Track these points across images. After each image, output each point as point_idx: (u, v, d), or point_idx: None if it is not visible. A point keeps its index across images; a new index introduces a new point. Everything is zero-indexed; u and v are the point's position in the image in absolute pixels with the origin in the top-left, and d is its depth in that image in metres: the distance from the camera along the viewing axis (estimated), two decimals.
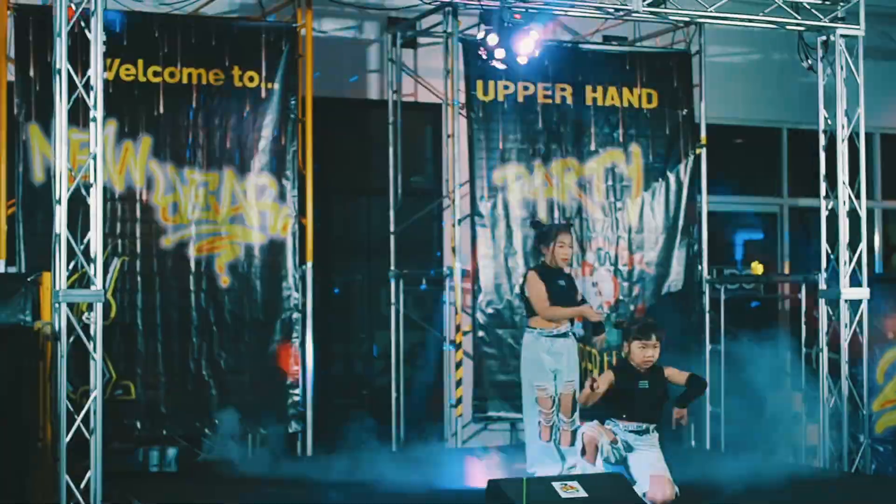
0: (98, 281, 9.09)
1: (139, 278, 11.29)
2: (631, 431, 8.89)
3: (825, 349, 11.53)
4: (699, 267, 12.99)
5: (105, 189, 10.84)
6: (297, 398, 11.65)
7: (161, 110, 11.42)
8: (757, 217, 15.24)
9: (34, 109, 10.93)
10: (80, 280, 9.48)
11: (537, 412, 9.85)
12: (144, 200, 11.34)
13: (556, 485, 7.01)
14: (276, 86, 11.73)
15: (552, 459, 9.54)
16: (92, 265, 9.09)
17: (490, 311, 12.19)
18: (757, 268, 14.37)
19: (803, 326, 12.22)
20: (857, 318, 11.43)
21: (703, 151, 13.06)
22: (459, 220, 12.13)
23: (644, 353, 9.11)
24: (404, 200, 13.14)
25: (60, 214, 9.03)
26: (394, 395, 12.86)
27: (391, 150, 12.98)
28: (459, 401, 12.13)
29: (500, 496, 6.91)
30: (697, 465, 10.62)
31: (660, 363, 9.24)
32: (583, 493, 6.97)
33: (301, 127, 11.82)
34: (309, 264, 11.75)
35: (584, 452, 8.71)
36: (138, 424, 11.18)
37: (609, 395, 8.86)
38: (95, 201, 9.17)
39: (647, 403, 9.08)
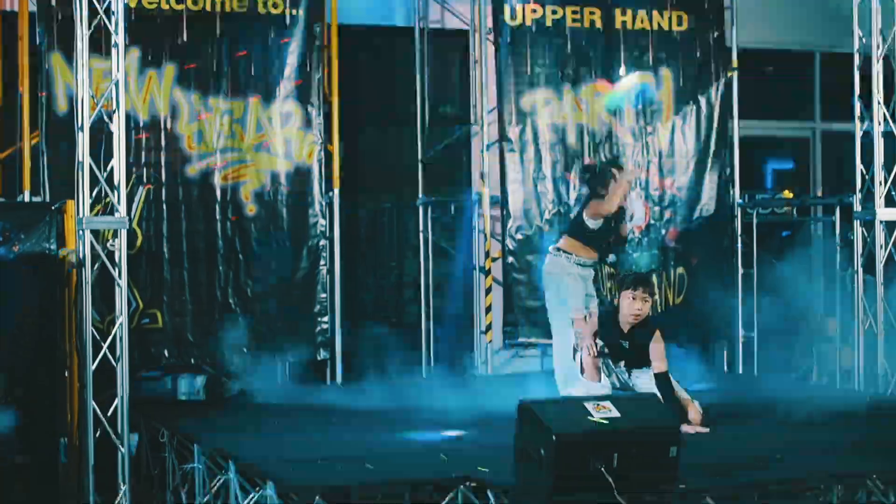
0: (121, 208, 8.93)
1: (164, 207, 11.15)
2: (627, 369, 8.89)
3: (860, 271, 11.30)
4: (731, 191, 12.76)
5: (129, 118, 10.81)
6: (325, 325, 11.51)
7: (185, 38, 11.22)
8: (789, 143, 14.98)
9: (56, 38, 10.74)
10: (105, 209, 9.33)
11: (569, 334, 9.68)
12: (169, 129, 11.17)
13: (589, 405, 6.82)
14: (301, 12, 11.51)
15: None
16: (115, 192, 8.93)
17: (519, 236, 12.01)
18: (788, 195, 14.12)
19: (838, 250, 11.99)
20: (893, 239, 11.18)
21: (735, 75, 12.79)
22: (488, 146, 11.94)
23: (632, 305, 8.95)
24: (432, 128, 12.95)
25: (83, 142, 8.87)
26: (423, 323, 12.72)
27: (418, 77, 12.76)
28: (489, 327, 11.99)
29: (531, 417, 6.73)
30: (729, 388, 10.47)
31: (654, 324, 9.07)
32: (616, 413, 6.78)
33: (326, 54, 11.61)
34: (336, 191, 11.59)
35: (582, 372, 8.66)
36: (166, 353, 11.09)
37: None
38: (118, 128, 8.99)
39: (634, 357, 9.01)
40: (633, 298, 8.98)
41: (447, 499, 7.25)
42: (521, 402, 6.86)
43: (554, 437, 6.57)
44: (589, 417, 6.76)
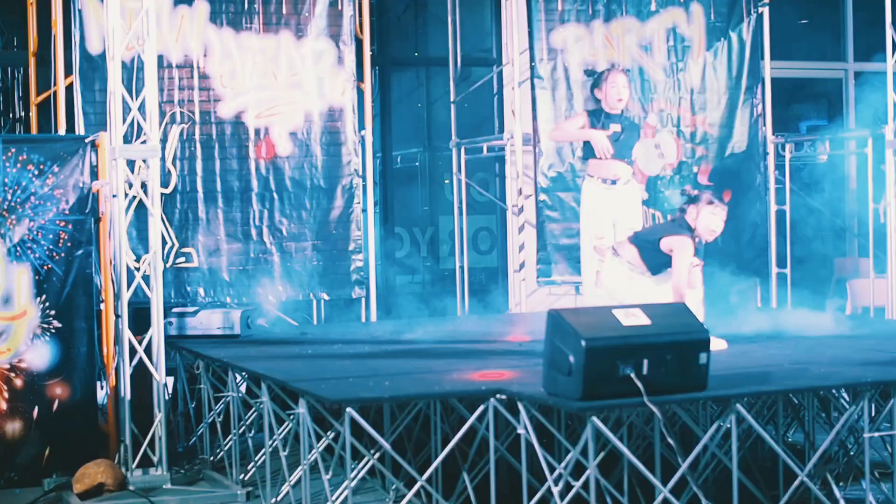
0: (153, 136, 8.90)
1: (198, 146, 11.12)
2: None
3: (893, 202, 11.17)
4: (763, 127, 12.64)
5: (161, 58, 10.83)
6: (359, 264, 11.46)
7: None
8: (822, 83, 14.84)
9: None
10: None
11: (596, 260, 9.64)
12: (202, 68, 11.12)
13: (618, 312, 6.75)
14: None
15: None
16: (147, 121, 8.90)
17: (552, 174, 11.92)
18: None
19: (870, 182, 11.86)
20: None
21: (767, 10, 12.65)
22: (519, 84, 11.86)
23: (714, 219, 8.82)
24: (463, 70, 12.91)
25: (114, 71, 8.85)
26: (457, 263, 12.68)
27: (450, 18, 12.71)
28: (522, 266, 11.93)
29: (560, 324, 6.67)
30: (761, 323, 10.39)
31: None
32: (645, 320, 6.71)
33: None
34: (368, 129, 11.54)
35: None
36: (201, 291, 11.07)
37: None
38: (149, 57, 8.96)
39: None
40: (714, 214, 8.84)
41: (478, 411, 7.22)
42: (551, 311, 6.80)
43: (583, 343, 6.51)
44: (618, 324, 6.70)
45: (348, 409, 6.93)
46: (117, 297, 8.85)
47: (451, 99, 12.74)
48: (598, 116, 9.85)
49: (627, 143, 9.84)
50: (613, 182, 9.75)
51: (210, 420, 9.59)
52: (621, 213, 9.71)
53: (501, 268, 13.35)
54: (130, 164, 9.04)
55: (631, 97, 11.88)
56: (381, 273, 12.81)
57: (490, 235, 13.70)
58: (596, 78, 10.05)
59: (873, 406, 7.49)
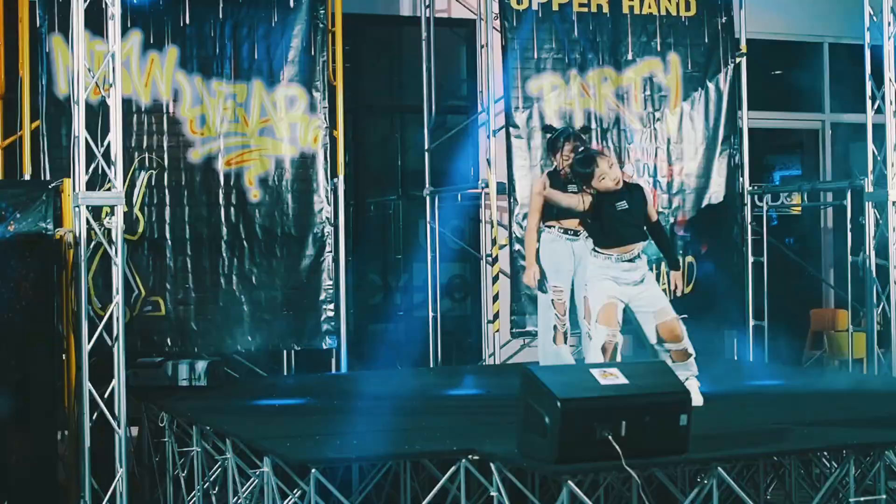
0: (118, 183, 8.54)
1: (167, 192, 10.74)
2: (625, 261, 8.37)
3: (872, 255, 10.85)
4: (740, 178, 12.34)
5: (131, 102, 10.55)
6: (330, 314, 11.07)
7: (187, 20, 10.82)
8: (798, 134, 14.57)
9: (57, 20, 10.34)
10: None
11: (552, 315, 9.27)
12: (171, 113, 10.77)
13: (595, 371, 6.40)
14: None
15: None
16: (112, 167, 8.54)
17: (527, 223, 11.54)
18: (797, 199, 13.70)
19: (849, 234, 11.55)
20: None
21: (744, 61, 12.39)
22: (494, 132, 11.54)
23: (614, 170, 8.40)
24: (438, 117, 12.60)
25: (79, 115, 8.50)
26: (430, 314, 12.32)
27: (424, 66, 12.40)
28: (496, 317, 11.56)
29: (534, 383, 6.31)
30: (739, 377, 10.08)
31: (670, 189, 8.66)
32: (623, 380, 6.36)
33: (331, 37, 11.21)
34: (340, 177, 11.18)
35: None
36: (168, 341, 10.67)
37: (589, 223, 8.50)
38: (115, 101, 8.59)
39: (631, 223, 8.45)
40: (612, 165, 8.42)
41: (449, 472, 6.85)
42: (524, 369, 6.44)
43: (559, 404, 6.15)
44: (595, 384, 6.34)
45: (313, 471, 6.55)
46: (79, 347, 8.45)
47: (426, 147, 12.41)
48: (556, 178, 9.44)
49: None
50: (575, 234, 9.28)
51: (174, 475, 9.17)
52: (583, 264, 9.18)
53: (475, 316, 13.00)
54: (97, 210, 8.65)
55: (607, 148, 11.63)
56: (354, 322, 12.45)
57: (465, 283, 13.35)
58: (551, 140, 9.53)
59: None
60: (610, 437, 6.19)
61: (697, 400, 8.29)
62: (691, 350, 8.50)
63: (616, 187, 8.41)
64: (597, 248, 8.49)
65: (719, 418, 7.92)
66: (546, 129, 10.27)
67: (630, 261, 8.44)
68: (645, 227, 8.56)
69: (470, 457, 6.77)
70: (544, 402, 6.24)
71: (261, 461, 7.24)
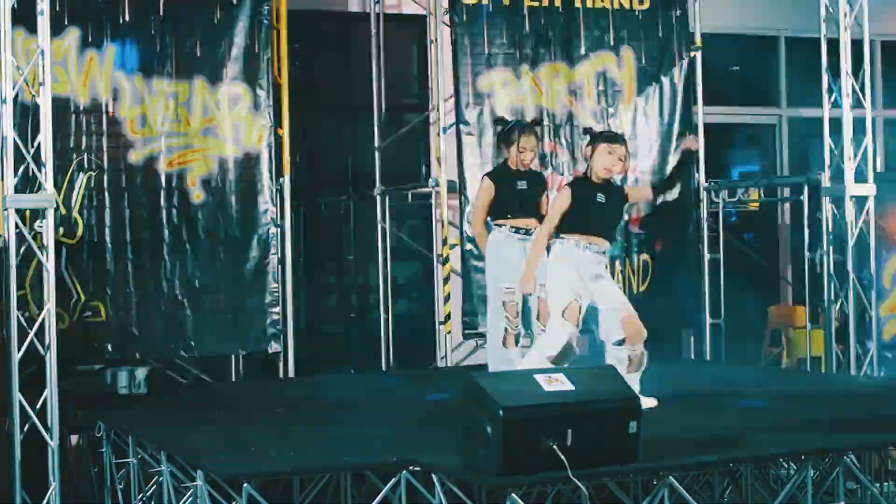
0: (49, 186, 8.14)
1: (107, 195, 10.29)
2: (587, 250, 8.10)
3: (830, 251, 10.54)
4: (695, 175, 12.00)
5: (69, 102, 10.11)
6: (276, 317, 10.67)
7: (127, 18, 10.38)
8: (755, 128, 14.27)
9: None
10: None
11: (502, 317, 8.90)
12: (111, 113, 10.31)
13: (540, 378, 6.03)
14: None
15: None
16: (42, 169, 8.13)
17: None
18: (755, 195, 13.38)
19: (806, 230, 11.23)
20: (864, 216, 10.42)
21: (699, 55, 12.05)
22: (444, 129, 11.16)
23: (609, 158, 8.17)
24: (389, 115, 12.22)
25: (6, 115, 8.11)
26: (382, 315, 11.95)
27: (374, 63, 12.03)
28: (448, 318, 11.19)
29: (477, 392, 5.94)
30: (696, 376, 9.76)
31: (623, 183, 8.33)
32: (569, 386, 5.99)
33: (276, 34, 10.81)
34: (286, 177, 10.78)
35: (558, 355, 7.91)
36: (109, 347, 10.22)
37: (567, 214, 8.18)
38: (45, 101, 8.20)
39: (604, 219, 8.24)
40: (611, 152, 8.20)
41: (389, 484, 6.47)
42: (467, 376, 6.07)
43: (501, 412, 5.78)
44: (540, 391, 5.98)
45: (245, 486, 6.17)
46: (8, 356, 8.04)
47: (376, 145, 12.03)
48: (504, 173, 9.08)
49: (535, 199, 9.07)
50: (528, 232, 8.91)
51: (111, 487, 8.77)
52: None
53: (430, 317, 12.63)
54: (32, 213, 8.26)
55: (560, 144, 11.31)
56: (306, 324, 12.08)
57: (422, 284, 12.98)
58: (505, 132, 9.20)
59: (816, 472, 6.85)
60: (555, 447, 5.83)
61: (651, 402, 7.95)
62: (645, 363, 8.15)
63: (603, 176, 8.20)
64: (561, 235, 8.15)
65: (673, 422, 7.58)
66: (498, 121, 9.89)
67: (596, 253, 8.10)
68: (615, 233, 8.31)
69: (411, 468, 6.40)
70: (486, 410, 5.87)
71: (193, 470, 6.86)
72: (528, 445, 5.83)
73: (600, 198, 8.21)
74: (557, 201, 8.33)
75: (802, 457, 6.62)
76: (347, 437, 7.40)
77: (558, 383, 6.02)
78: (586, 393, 6.02)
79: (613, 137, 8.40)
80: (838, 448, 6.64)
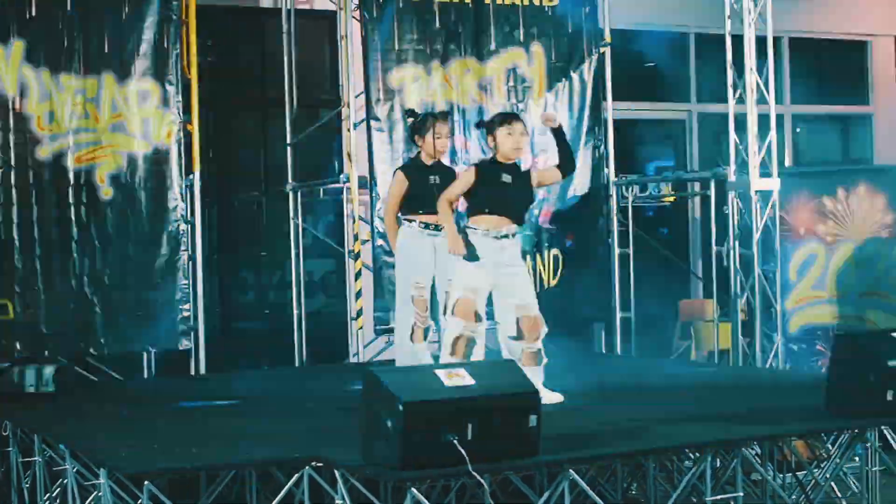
0: None
1: (14, 191, 10.17)
2: (494, 237, 8.03)
3: (736, 245, 10.63)
4: (605, 170, 12.04)
5: None
6: (186, 314, 10.60)
7: (33, 13, 10.26)
8: (665, 124, 14.35)
9: None
10: None
11: (411, 312, 8.89)
12: (17, 109, 10.19)
13: (441, 372, 6.03)
14: None
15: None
16: None
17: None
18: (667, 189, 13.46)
19: (713, 225, 11.31)
20: (769, 210, 10.53)
21: (608, 51, 12.10)
22: (355, 125, 11.13)
23: (512, 139, 8.13)
24: (301, 111, 12.15)
25: None
26: (295, 311, 11.89)
27: (285, 59, 11.95)
28: (360, 313, 11.16)
29: (376, 386, 5.93)
30: (606, 369, 9.80)
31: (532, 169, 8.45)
32: (470, 381, 6.00)
33: (185, 29, 10.73)
34: (196, 173, 10.70)
35: (452, 352, 7.87)
36: (18, 345, 10.12)
37: (472, 191, 8.10)
38: None
39: (511, 199, 8.16)
40: (511, 133, 8.16)
41: (293, 479, 6.45)
42: (367, 371, 6.06)
43: (400, 407, 5.77)
44: (440, 386, 5.97)
45: (146, 483, 6.12)
46: None
47: (288, 141, 11.97)
48: (417, 167, 9.07)
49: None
50: (436, 228, 8.89)
51: (18, 486, 8.66)
52: (443, 259, 8.76)
53: (340, 302, 12.57)
54: None
55: (470, 140, 11.31)
56: (220, 321, 12.01)
57: (337, 280, 12.94)
58: (420, 121, 9.20)
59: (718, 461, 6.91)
60: (455, 441, 5.83)
61: (556, 397, 7.97)
62: (544, 357, 8.15)
63: (514, 157, 8.19)
64: (468, 225, 8.13)
65: (580, 415, 7.61)
66: (408, 112, 9.76)
67: (500, 238, 8.08)
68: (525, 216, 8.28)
69: (314, 463, 6.38)
70: (386, 405, 5.86)
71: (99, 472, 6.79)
72: (429, 440, 5.82)
73: (506, 178, 8.15)
74: (463, 175, 8.30)
75: (702, 449, 6.65)
76: (256, 433, 7.37)
77: (459, 378, 6.02)
78: (487, 387, 6.02)
79: (505, 119, 8.29)
80: (738, 439, 6.68)
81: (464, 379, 6.01)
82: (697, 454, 6.81)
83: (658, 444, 6.73)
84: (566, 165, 8.50)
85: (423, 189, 8.97)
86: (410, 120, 9.28)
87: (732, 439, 6.66)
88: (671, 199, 13.34)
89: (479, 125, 8.68)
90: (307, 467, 6.37)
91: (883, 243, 11.34)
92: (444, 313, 8.09)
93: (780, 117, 12.65)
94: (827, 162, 14.76)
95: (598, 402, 8.18)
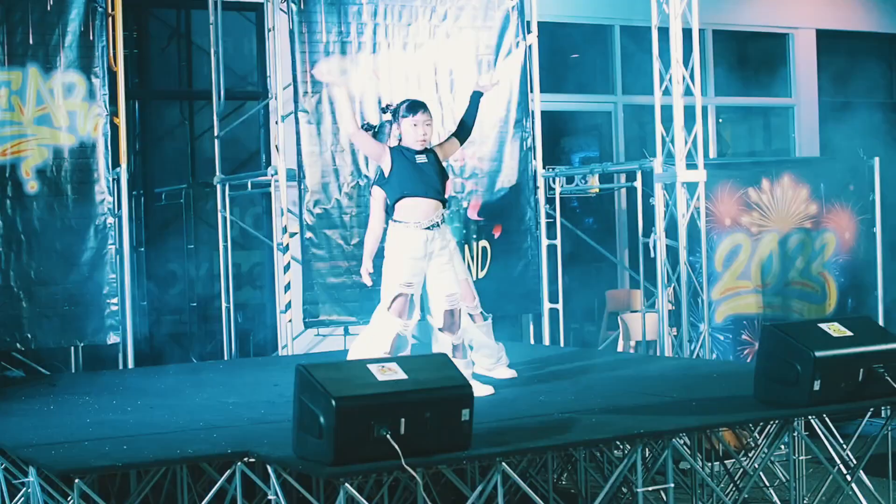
0: None
1: None
2: (425, 229, 8.03)
3: (662, 236, 10.66)
4: (533, 161, 12.03)
5: None
6: (114, 308, 10.46)
7: None
8: (592, 116, 14.37)
9: None
10: None
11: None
12: None
13: (373, 367, 5.99)
14: None
15: None
16: None
17: (318, 210, 11.08)
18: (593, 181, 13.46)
19: (640, 216, 11.34)
20: (695, 201, 10.57)
21: (535, 44, 12.08)
22: (283, 118, 11.04)
23: (416, 131, 8.12)
24: (230, 104, 12.05)
25: None
26: (223, 304, 11.79)
27: (212, 51, 11.83)
28: (289, 306, 11.08)
29: (308, 381, 5.88)
30: (535, 360, 9.79)
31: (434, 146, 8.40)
32: (402, 375, 5.97)
33: (111, 21, 10.59)
34: (123, 166, 10.57)
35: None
36: None
37: (388, 178, 8.11)
38: None
39: (428, 178, 8.14)
40: (416, 125, 8.13)
41: (225, 475, 6.38)
42: (298, 366, 6.00)
43: (333, 402, 5.73)
44: (373, 380, 5.93)
45: (76, 481, 6.03)
46: None
47: (216, 133, 11.86)
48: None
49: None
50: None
51: None
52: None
53: (269, 296, 12.50)
54: None
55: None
56: (148, 315, 11.89)
57: (264, 272, 12.86)
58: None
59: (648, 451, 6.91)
60: (388, 436, 5.79)
61: (486, 390, 7.97)
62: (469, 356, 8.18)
63: (419, 148, 8.17)
64: (396, 219, 8.08)
65: (510, 407, 7.59)
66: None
67: (430, 228, 8.04)
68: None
69: (246, 459, 6.32)
70: (319, 400, 5.81)
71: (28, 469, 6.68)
72: (362, 435, 5.79)
73: (420, 158, 8.17)
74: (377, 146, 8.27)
75: (632, 440, 6.66)
76: (186, 429, 7.29)
77: (391, 372, 5.99)
78: (419, 381, 6.00)
79: (410, 108, 8.24)
80: (669, 431, 6.69)
81: (396, 373, 5.98)
82: (628, 446, 6.80)
83: (589, 435, 6.72)
84: (462, 132, 8.54)
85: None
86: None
87: (663, 430, 6.66)
88: (595, 190, 13.35)
89: (384, 109, 8.58)
90: (239, 462, 6.31)
91: (806, 234, 11.45)
92: (382, 309, 8.05)
93: (704, 109, 12.71)
94: (752, 153, 14.88)
95: (527, 394, 8.17)
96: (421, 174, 8.10)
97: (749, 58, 15.17)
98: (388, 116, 8.46)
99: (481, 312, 8.84)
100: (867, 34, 15.48)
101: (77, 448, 6.69)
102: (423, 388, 5.98)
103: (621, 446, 7.49)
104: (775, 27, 14.96)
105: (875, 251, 11.68)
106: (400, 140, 8.20)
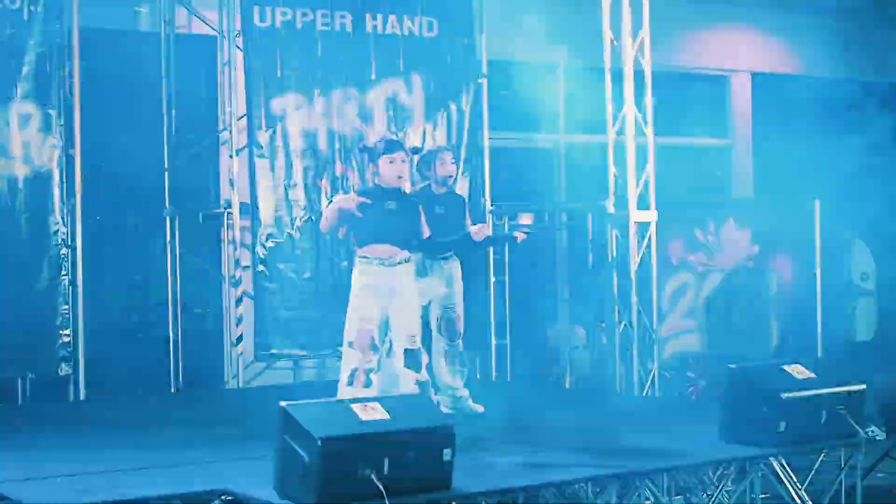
0: None
1: None
2: (385, 266, 7.86)
3: (615, 274, 10.66)
4: (482, 199, 12.00)
5: None
6: (67, 339, 10.27)
7: None
8: (536, 154, 14.34)
9: None
10: None
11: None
12: None
13: (356, 406, 5.90)
14: (40, 9, 10.30)
15: None
16: None
17: (270, 244, 10.98)
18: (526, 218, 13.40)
19: (590, 254, 11.34)
20: (646, 241, 10.59)
21: (486, 82, 12.07)
22: (237, 151, 10.92)
23: (394, 168, 7.91)
24: (180, 136, 11.88)
25: None
26: (171, 336, 11.60)
27: (164, 84, 11.68)
28: (240, 339, 10.94)
29: (292, 421, 5.77)
30: (485, 397, 9.72)
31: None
32: (385, 415, 5.88)
33: (68, 53, 10.43)
34: (78, 197, 10.40)
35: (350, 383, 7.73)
36: None
37: (358, 223, 7.83)
38: None
39: (397, 226, 7.96)
40: (392, 162, 7.92)
41: None
42: (281, 406, 5.89)
43: (319, 443, 5.62)
44: (356, 420, 5.84)
45: None
46: None
47: (165, 166, 11.69)
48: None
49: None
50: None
51: None
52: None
53: (218, 328, 12.32)
54: None
55: (351, 168, 11.21)
56: (96, 346, 11.66)
57: (211, 304, 12.66)
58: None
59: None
60: (373, 476, 5.70)
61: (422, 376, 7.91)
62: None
63: (396, 185, 7.96)
64: (361, 255, 7.96)
65: (474, 444, 7.50)
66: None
67: (394, 266, 7.92)
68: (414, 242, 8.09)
69: (223, 497, 6.18)
70: (303, 441, 5.70)
71: None
72: (346, 475, 5.70)
73: (390, 204, 7.96)
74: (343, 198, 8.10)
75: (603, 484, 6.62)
76: (147, 465, 7.12)
77: (374, 412, 5.90)
78: (402, 421, 5.92)
79: (387, 147, 8.06)
80: (642, 472, 6.66)
81: (379, 413, 5.89)
82: (598, 489, 6.75)
83: (564, 476, 6.67)
84: (429, 244, 8.37)
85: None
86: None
87: (636, 472, 6.63)
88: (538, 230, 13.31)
89: (362, 149, 8.48)
90: (216, 501, 6.17)
91: (749, 273, 11.51)
92: (345, 345, 7.93)
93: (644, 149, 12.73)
94: (695, 191, 14.92)
95: (491, 432, 8.08)
96: (391, 221, 7.94)
97: (687, 99, 15.23)
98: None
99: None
100: (801, 77, 15.60)
101: (30, 484, 6.51)
102: (407, 427, 5.89)
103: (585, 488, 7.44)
104: (713, 70, 15.05)
105: (816, 290, 11.75)
106: (376, 178, 8.06)
